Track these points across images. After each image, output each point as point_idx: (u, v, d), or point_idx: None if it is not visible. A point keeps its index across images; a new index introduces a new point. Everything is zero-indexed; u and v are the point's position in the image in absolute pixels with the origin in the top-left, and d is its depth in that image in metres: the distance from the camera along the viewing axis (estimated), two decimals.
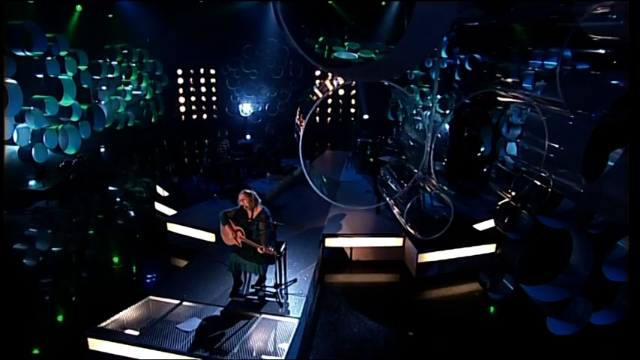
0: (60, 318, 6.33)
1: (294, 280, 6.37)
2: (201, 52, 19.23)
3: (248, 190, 5.87)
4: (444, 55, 16.17)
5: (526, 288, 4.99)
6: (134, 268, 7.90)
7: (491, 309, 6.83)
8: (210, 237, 7.98)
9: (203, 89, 20.81)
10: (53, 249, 8.57)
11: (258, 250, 5.62)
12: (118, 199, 11.64)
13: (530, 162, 5.38)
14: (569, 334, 5.10)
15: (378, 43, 16.79)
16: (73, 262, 8.06)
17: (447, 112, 15.83)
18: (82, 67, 13.71)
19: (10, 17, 11.07)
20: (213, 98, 20.99)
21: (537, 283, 5.07)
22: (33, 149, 11.47)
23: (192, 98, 20.75)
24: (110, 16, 16.50)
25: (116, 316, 5.50)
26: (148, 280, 7.40)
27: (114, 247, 8.87)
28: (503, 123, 12.54)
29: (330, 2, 18.30)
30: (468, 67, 14.91)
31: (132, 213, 10.59)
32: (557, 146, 4.77)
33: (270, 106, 20.05)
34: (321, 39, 17.00)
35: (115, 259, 8.27)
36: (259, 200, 5.93)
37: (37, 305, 6.52)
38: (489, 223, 8.91)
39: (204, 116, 20.97)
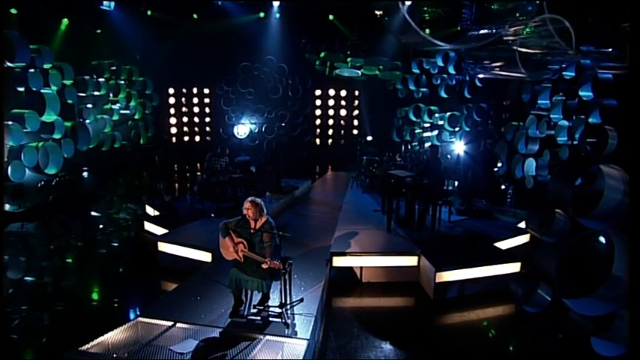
0: (32, 348, 5.97)
1: (301, 300, 6.10)
2: (195, 70, 19.35)
3: (257, 199, 5.65)
4: (452, 70, 16.35)
5: (567, 301, 4.72)
6: (120, 291, 7.56)
7: (522, 333, 6.52)
8: (206, 256, 7.73)
9: (196, 109, 20.83)
10: (28, 275, 8.24)
11: (263, 264, 5.38)
12: (101, 221, 11.37)
13: None
14: (617, 355, 4.80)
15: (382, 59, 16.89)
16: (49, 288, 7.72)
17: (457, 129, 15.88)
18: (67, 82, 13.67)
19: None
20: (207, 119, 20.97)
21: (576, 296, 4.81)
22: (10, 167, 11.25)
23: (185, 119, 20.74)
24: (98, 31, 16.62)
25: (100, 339, 5.19)
26: (136, 305, 7.07)
27: (98, 270, 8.56)
28: (520, 138, 12.52)
29: (331, 19, 18.57)
30: (478, 83, 15.02)
31: (118, 234, 10.31)
32: None
33: (268, 127, 20.00)
34: (322, 54, 17.10)
35: (99, 283, 7.96)
36: (265, 210, 5.72)
37: (12, 331, 6.17)
38: (512, 242, 8.73)
39: (197, 138, 20.91)
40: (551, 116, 11.41)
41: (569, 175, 4.63)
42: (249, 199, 5.69)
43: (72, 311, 6.87)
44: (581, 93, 10.35)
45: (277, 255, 5.58)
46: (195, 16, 18.31)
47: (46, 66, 12.67)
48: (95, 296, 7.51)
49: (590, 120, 9.73)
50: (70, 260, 8.99)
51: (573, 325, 5.11)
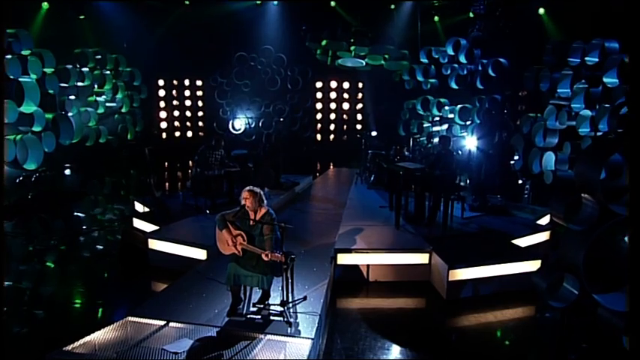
0: (14, 352, 5.88)
1: (304, 298, 6.04)
2: (187, 60, 19.30)
3: (255, 188, 5.60)
4: (463, 59, 16.30)
5: (596, 296, 4.66)
6: (107, 292, 7.50)
7: (544, 338, 6.45)
8: (200, 254, 7.68)
9: (188, 103, 20.79)
10: (7, 277, 8.14)
11: (263, 256, 5.31)
12: (85, 221, 11.30)
13: None
14: None
15: (388, 47, 16.83)
16: (29, 291, 7.64)
17: (468, 122, 15.84)
18: (48, 70, 13.59)
19: None
20: (200, 113, 20.94)
21: (606, 290, 4.75)
22: None
23: (176, 113, 20.69)
24: (82, 17, 16.55)
25: (86, 338, 5.12)
26: (124, 306, 6.99)
27: (82, 271, 8.49)
28: (538, 131, 12.47)
29: (332, 5, 18.57)
30: (491, 72, 14.96)
31: (103, 233, 10.24)
32: None
33: (265, 121, 19.93)
34: (324, 43, 17.05)
35: (84, 284, 7.89)
36: (265, 201, 5.67)
37: None
38: (530, 239, 8.68)
39: (189, 134, 20.86)
40: (573, 106, 11.38)
41: (598, 157, 4.57)
42: (247, 188, 5.65)
43: (56, 314, 6.78)
44: (605, 80, 10.30)
45: (279, 249, 5.52)
46: (187, 1, 18.28)
47: (25, 52, 12.60)
48: (80, 298, 7.43)
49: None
50: (52, 260, 8.91)
51: (602, 323, 5.03)
